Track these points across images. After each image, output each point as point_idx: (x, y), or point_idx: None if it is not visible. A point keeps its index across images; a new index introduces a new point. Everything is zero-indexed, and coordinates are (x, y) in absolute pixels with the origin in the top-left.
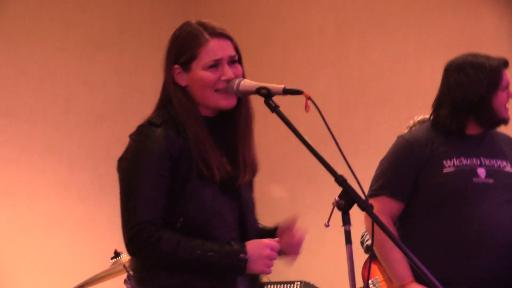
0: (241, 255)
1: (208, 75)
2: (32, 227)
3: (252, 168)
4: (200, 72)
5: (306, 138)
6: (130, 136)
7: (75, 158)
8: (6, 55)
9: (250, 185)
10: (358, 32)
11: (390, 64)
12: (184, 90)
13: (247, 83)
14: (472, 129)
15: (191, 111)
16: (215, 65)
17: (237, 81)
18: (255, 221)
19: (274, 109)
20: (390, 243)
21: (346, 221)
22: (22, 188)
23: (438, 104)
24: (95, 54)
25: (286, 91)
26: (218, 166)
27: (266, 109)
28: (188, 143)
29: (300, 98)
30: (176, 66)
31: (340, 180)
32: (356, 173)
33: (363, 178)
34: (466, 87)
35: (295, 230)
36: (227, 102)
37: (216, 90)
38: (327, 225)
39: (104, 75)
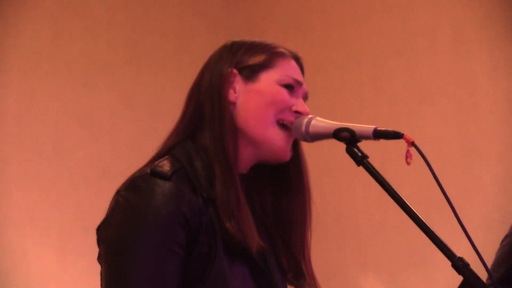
0: None
1: (285, 93)
2: None
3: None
4: (274, 85)
5: (409, 203)
6: (119, 192)
7: (67, 234)
8: None
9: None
10: (486, 41)
11: None
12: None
13: (321, 123)
14: None
15: (234, 149)
16: (291, 87)
17: (306, 119)
18: None
19: (361, 161)
20: None
21: None
22: None
23: None
24: (96, 79)
25: (378, 134)
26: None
27: (349, 158)
28: (208, 206)
29: (400, 144)
30: (235, 70)
31: (459, 265)
32: (486, 253)
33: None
34: None
35: None
36: (285, 148)
37: (279, 122)
38: None
39: (109, 109)
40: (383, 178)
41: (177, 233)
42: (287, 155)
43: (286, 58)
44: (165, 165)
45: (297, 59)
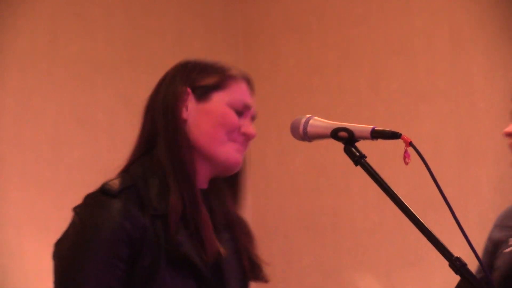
0: None
1: (234, 115)
2: None
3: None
4: (224, 107)
5: (406, 203)
6: (75, 209)
7: None
8: None
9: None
10: (483, 41)
11: None
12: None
13: (319, 122)
14: None
15: (191, 162)
16: (240, 111)
17: (304, 119)
18: None
19: (359, 160)
20: None
21: None
22: None
23: None
24: (95, 79)
25: (376, 134)
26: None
27: (345, 158)
28: (156, 222)
29: (397, 144)
30: (188, 89)
31: (456, 265)
32: (481, 253)
33: None
34: None
35: None
36: (237, 158)
37: (230, 139)
38: None
39: (107, 109)
40: (381, 178)
41: (120, 249)
42: (238, 166)
43: (237, 80)
44: (115, 183)
45: (247, 80)
